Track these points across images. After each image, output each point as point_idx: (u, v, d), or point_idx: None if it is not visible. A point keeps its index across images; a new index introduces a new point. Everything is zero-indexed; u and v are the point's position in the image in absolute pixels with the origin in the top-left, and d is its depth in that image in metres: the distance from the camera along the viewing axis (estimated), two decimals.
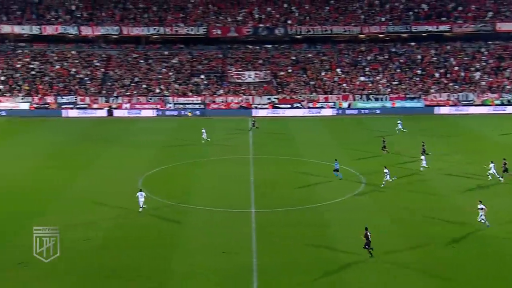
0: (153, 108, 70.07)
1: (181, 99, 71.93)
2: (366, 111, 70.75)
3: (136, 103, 71.14)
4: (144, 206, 32.36)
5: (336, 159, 40.35)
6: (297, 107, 71.31)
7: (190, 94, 72.97)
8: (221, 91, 73.73)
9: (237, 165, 43.94)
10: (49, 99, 70.95)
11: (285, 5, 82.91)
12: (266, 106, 71.59)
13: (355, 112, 70.63)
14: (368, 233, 25.92)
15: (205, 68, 77.79)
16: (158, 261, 25.77)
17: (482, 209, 29.21)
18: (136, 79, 75.07)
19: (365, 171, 41.28)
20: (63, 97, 71.25)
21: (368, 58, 79.28)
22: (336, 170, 39.19)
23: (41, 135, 57.07)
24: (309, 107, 71.23)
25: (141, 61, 78.18)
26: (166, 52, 79.93)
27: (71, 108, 69.72)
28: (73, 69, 76.13)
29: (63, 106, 70.19)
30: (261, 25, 79.62)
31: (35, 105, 70.32)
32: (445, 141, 52.77)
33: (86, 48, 79.92)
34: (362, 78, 76.08)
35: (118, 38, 79.17)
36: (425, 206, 33.61)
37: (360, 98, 72.84)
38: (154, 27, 78.33)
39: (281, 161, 44.92)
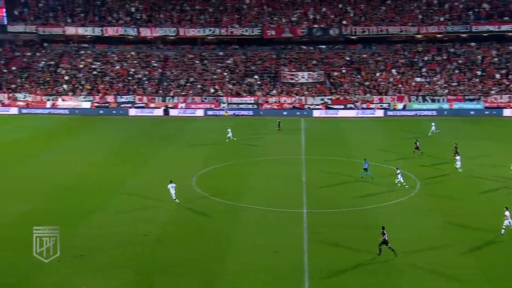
0: (207, 108, 71.39)
1: (235, 99, 72.91)
2: (422, 112, 69.26)
3: (191, 103, 72.72)
4: (175, 198, 33.66)
5: (365, 158, 40.37)
6: (351, 108, 70.71)
7: (243, 94, 73.83)
8: (274, 91, 74.17)
9: (289, 165, 44.15)
10: (109, 98, 73.69)
11: (340, 6, 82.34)
12: (319, 106, 71.41)
13: (410, 113, 69.25)
14: (385, 232, 26.11)
15: (258, 69, 78.46)
16: (210, 258, 26.34)
17: (508, 215, 28.35)
18: (192, 79, 76.70)
19: (420, 173, 40.63)
20: (122, 96, 73.83)
21: (425, 58, 77.52)
22: (365, 170, 39.11)
23: (102, 133, 59.36)
24: (362, 108, 70.49)
25: (197, 61, 79.79)
26: (221, 53, 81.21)
27: (130, 107, 72.08)
28: (132, 69, 78.70)
29: (122, 105, 72.73)
30: (315, 26, 79.45)
31: (96, 104, 73.18)
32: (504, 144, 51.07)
33: (144, 49, 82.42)
34: (418, 79, 74.49)
35: (175, 39, 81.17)
36: (480, 210, 32.77)
37: (416, 99, 71.39)
38: (210, 28, 79.75)
39: (334, 162, 44.76)
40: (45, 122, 65.65)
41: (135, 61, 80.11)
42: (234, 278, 24.51)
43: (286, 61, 78.97)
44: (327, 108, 71.14)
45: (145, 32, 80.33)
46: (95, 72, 78.39)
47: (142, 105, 72.94)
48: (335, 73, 76.53)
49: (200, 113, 70.71)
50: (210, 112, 70.72)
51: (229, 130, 52.96)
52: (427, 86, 73.41)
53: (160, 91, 75.05)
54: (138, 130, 60.37)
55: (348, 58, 78.71)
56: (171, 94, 74.27)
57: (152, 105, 72.87)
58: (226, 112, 69.69)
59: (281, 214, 32.62)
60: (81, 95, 74.53)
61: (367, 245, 27.69)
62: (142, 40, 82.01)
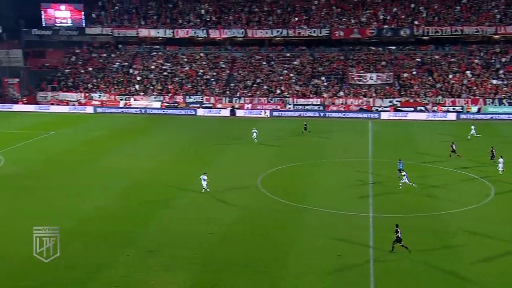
0: (273, 109, 71.59)
1: (301, 100, 72.69)
2: (498, 116, 66.03)
3: (257, 104, 73.23)
4: (207, 189, 35.55)
5: (400, 159, 39.63)
6: (421, 111, 68.57)
7: (310, 95, 73.46)
8: (341, 93, 73.27)
9: (356, 167, 43.40)
10: (178, 99, 75.66)
11: (412, 5, 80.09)
12: (388, 108, 69.79)
13: (485, 117, 66.18)
14: (398, 230, 26.12)
15: (326, 70, 77.79)
16: (272, 259, 26.40)
17: None
18: (258, 80, 77.25)
19: (495, 179, 38.80)
20: (191, 96, 75.58)
21: (503, 60, 73.83)
22: (400, 170, 38.23)
23: (171, 132, 60.91)
24: (434, 111, 68.18)
25: (264, 62, 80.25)
26: (288, 54, 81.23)
27: (198, 107, 73.62)
28: (201, 70, 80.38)
29: (190, 105, 74.45)
30: (385, 26, 77.72)
31: (166, 104, 75.33)
32: None
33: (213, 50, 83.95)
34: (494, 81, 71.07)
35: (243, 40, 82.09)
36: None
37: (492, 103, 68.16)
38: (278, 30, 79.95)
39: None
40: (119, 121, 68.27)
41: (204, 62, 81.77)
42: (296, 279, 24.44)
43: (354, 62, 77.80)
44: (396, 110, 69.39)
45: (214, 34, 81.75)
46: (165, 73, 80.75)
47: (209, 105, 74.30)
48: (405, 75, 74.51)
49: (266, 113, 71.00)
50: (276, 113, 70.89)
51: (254, 131, 52.64)
52: (504, 89, 69.89)
53: (227, 92, 76.15)
54: (206, 130, 61.51)
55: (419, 59, 76.42)
56: (238, 94, 75.16)
57: (219, 105, 74.05)
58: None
59: (346, 217, 32.16)
60: (152, 95, 76.99)
61: (437, 252, 26.82)
62: (211, 42, 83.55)
